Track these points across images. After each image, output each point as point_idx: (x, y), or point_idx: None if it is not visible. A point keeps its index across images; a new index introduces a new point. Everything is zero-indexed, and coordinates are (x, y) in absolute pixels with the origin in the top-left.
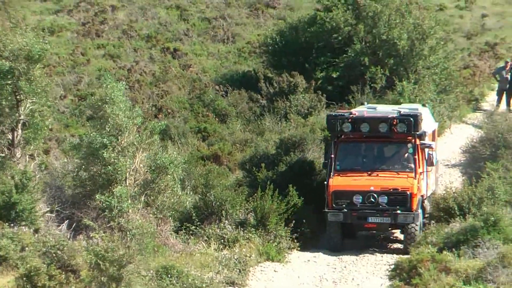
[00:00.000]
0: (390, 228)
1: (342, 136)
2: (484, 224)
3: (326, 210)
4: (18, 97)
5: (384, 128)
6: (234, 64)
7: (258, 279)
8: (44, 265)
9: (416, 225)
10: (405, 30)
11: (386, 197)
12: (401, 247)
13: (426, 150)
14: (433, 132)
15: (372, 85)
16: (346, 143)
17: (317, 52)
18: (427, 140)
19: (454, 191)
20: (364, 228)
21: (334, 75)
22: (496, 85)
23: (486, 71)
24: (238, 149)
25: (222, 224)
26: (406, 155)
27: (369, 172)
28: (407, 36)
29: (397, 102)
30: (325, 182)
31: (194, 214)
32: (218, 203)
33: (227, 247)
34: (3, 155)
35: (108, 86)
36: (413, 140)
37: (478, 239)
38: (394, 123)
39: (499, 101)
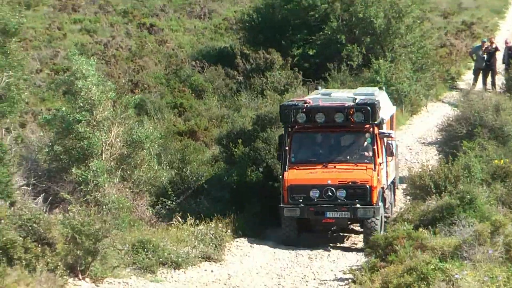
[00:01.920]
0: (349, 223)
1: (297, 127)
2: (460, 202)
3: (282, 205)
4: None
5: (340, 118)
6: (211, 40)
7: (234, 254)
8: (20, 238)
9: (377, 219)
10: (382, 8)
11: (344, 191)
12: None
13: (385, 139)
14: (391, 117)
15: (348, 63)
16: (301, 134)
17: (293, 29)
18: (386, 128)
19: (430, 169)
20: (322, 224)
21: (311, 53)
22: (472, 64)
23: (462, 50)
24: (214, 124)
25: (198, 200)
26: (364, 145)
27: (325, 164)
28: (383, 14)
29: (373, 80)
30: (280, 176)
31: (170, 189)
32: (194, 178)
33: (203, 222)
34: None
35: (78, 61)
36: (371, 130)
37: (454, 217)
38: (351, 112)
39: (475, 80)
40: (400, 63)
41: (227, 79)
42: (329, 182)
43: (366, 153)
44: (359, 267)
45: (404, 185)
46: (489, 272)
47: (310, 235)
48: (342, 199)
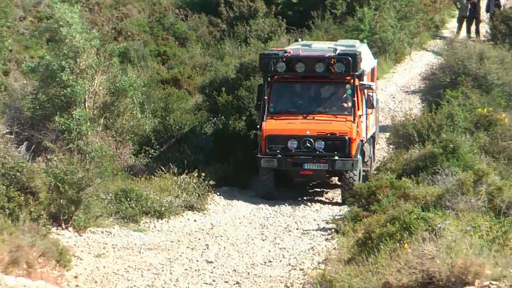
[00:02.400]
0: (327, 176)
1: (276, 76)
2: (443, 151)
3: (259, 155)
4: None
5: (320, 68)
6: None
7: (217, 203)
8: (3, 187)
9: (355, 172)
10: None
11: (323, 142)
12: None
13: (366, 91)
14: (372, 70)
15: (332, 11)
16: (281, 84)
17: None
18: (366, 80)
19: (413, 118)
20: (300, 175)
21: (295, 0)
22: (456, 12)
23: None
24: (197, 73)
25: (181, 148)
26: (344, 96)
27: (305, 115)
28: None
29: (357, 28)
30: (258, 126)
31: (153, 138)
32: (177, 127)
33: (186, 171)
34: None
35: (61, 9)
36: (352, 81)
37: (437, 166)
38: (332, 62)
39: (459, 28)
40: (384, 11)
41: (211, 27)
42: (307, 133)
43: (346, 105)
44: (341, 217)
45: (388, 134)
46: (472, 222)
47: (288, 191)
48: (321, 150)
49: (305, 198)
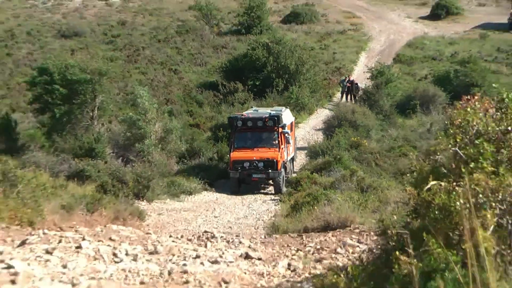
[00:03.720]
0: (266, 180)
1: (237, 128)
2: (334, 159)
3: (229, 170)
4: (95, 93)
5: (260, 123)
6: (206, 77)
7: (214, 191)
8: (110, 180)
9: (280, 178)
10: (293, 60)
11: (262, 163)
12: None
13: (286, 134)
14: (291, 123)
15: (276, 88)
16: (240, 133)
17: (248, 71)
18: (286, 129)
19: (319, 142)
20: (251, 181)
21: (257, 83)
22: (340, 89)
23: (335, 81)
24: (208, 120)
25: (200, 159)
26: (273, 138)
27: (253, 149)
28: (294, 63)
29: (290, 97)
30: (228, 155)
31: (186, 153)
32: (198, 148)
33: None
34: (88, 123)
35: (138, 88)
36: (277, 130)
37: (331, 167)
38: (266, 120)
39: (341, 97)
40: (303, 88)
41: (214, 97)
42: (254, 158)
43: (274, 142)
44: (283, 194)
45: (306, 151)
46: (349, 195)
47: (246, 189)
48: (261, 167)
49: (255, 191)
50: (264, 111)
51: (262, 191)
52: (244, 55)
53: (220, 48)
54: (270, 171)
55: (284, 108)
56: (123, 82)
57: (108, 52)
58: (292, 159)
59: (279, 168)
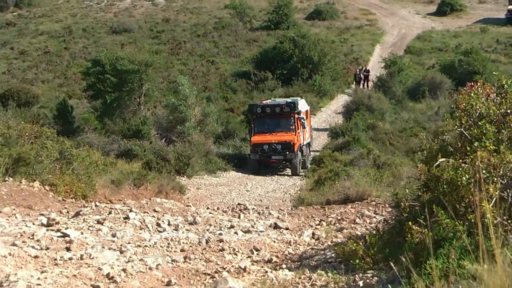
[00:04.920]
0: (284, 161)
1: (257, 115)
2: (352, 139)
3: (249, 153)
4: (141, 82)
5: (278, 110)
6: (239, 67)
7: (238, 171)
8: (154, 158)
9: (296, 160)
10: (316, 51)
11: (280, 145)
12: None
13: (301, 120)
14: (306, 111)
15: (301, 77)
16: (259, 118)
17: (277, 62)
18: (302, 115)
19: (339, 125)
20: (270, 162)
21: (284, 72)
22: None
23: (352, 71)
24: (241, 105)
25: (234, 140)
26: (290, 123)
27: (271, 133)
28: (317, 54)
29: (313, 84)
30: (249, 139)
31: (222, 135)
32: (232, 129)
33: (235, 149)
34: (136, 108)
35: (180, 77)
36: (294, 115)
37: (350, 146)
38: (283, 107)
39: (357, 85)
40: (325, 76)
41: (247, 85)
42: (273, 141)
43: (291, 127)
44: (307, 170)
45: (327, 132)
46: (366, 171)
47: (264, 171)
48: (279, 150)
49: (273, 174)
50: (281, 100)
51: (279, 173)
52: (273, 48)
53: (252, 42)
54: (287, 152)
55: (299, 98)
56: (167, 72)
57: (153, 45)
58: (309, 145)
59: (295, 150)
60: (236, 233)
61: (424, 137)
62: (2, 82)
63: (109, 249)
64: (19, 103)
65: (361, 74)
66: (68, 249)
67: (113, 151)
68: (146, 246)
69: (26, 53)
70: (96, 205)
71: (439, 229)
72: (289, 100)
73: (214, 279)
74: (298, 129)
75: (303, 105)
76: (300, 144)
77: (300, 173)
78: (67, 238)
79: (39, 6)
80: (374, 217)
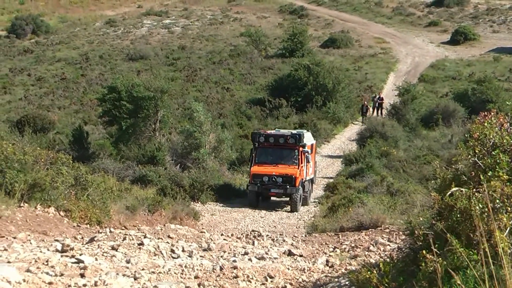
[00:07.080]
0: (283, 196)
1: (259, 144)
2: (366, 166)
3: (248, 184)
4: (157, 108)
5: (282, 141)
6: (254, 94)
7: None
8: (169, 184)
9: (297, 195)
10: (331, 79)
11: (281, 178)
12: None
13: (306, 154)
14: (312, 145)
15: (316, 104)
16: (261, 148)
17: (291, 89)
18: (306, 148)
19: (353, 151)
20: (269, 195)
21: (299, 99)
22: (371, 104)
23: (367, 98)
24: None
25: (248, 166)
26: (293, 156)
27: (273, 165)
28: (331, 82)
29: (327, 112)
30: (249, 169)
31: (236, 161)
32: (247, 156)
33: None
34: (151, 134)
35: (194, 104)
36: (298, 148)
37: (363, 173)
38: (288, 138)
39: (372, 112)
40: (339, 104)
41: (261, 112)
42: (273, 173)
43: (294, 160)
44: (321, 197)
45: (341, 159)
46: (380, 198)
47: (263, 205)
48: (280, 182)
49: (271, 209)
50: (286, 131)
51: (278, 209)
52: (287, 75)
53: (267, 69)
54: (288, 186)
55: (306, 130)
56: (182, 98)
57: (169, 72)
58: (312, 181)
59: (297, 184)
60: (250, 259)
61: (438, 165)
62: (19, 108)
63: (123, 275)
64: (35, 129)
65: (376, 102)
66: (82, 276)
67: (128, 177)
68: (160, 272)
69: (43, 80)
70: (110, 231)
71: (453, 258)
72: (294, 131)
73: None
74: (301, 163)
75: (308, 138)
76: (302, 179)
77: (299, 210)
78: (81, 264)
79: (57, 34)
80: (388, 244)
